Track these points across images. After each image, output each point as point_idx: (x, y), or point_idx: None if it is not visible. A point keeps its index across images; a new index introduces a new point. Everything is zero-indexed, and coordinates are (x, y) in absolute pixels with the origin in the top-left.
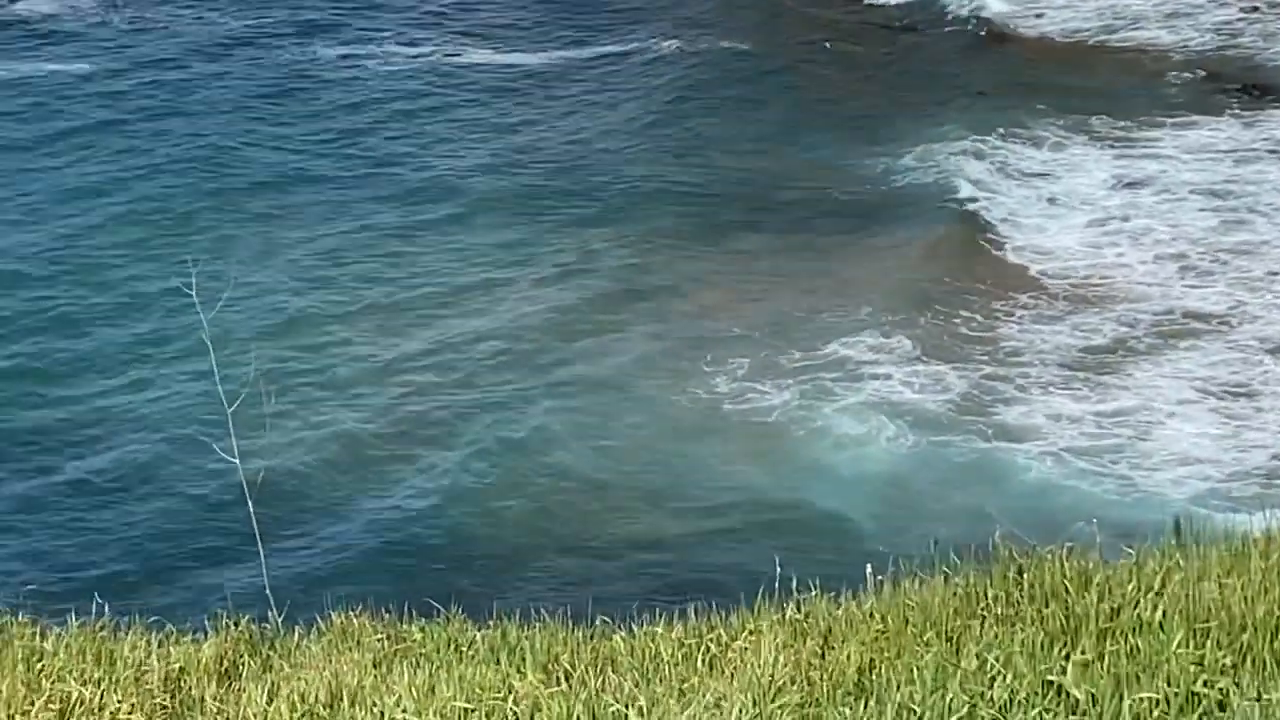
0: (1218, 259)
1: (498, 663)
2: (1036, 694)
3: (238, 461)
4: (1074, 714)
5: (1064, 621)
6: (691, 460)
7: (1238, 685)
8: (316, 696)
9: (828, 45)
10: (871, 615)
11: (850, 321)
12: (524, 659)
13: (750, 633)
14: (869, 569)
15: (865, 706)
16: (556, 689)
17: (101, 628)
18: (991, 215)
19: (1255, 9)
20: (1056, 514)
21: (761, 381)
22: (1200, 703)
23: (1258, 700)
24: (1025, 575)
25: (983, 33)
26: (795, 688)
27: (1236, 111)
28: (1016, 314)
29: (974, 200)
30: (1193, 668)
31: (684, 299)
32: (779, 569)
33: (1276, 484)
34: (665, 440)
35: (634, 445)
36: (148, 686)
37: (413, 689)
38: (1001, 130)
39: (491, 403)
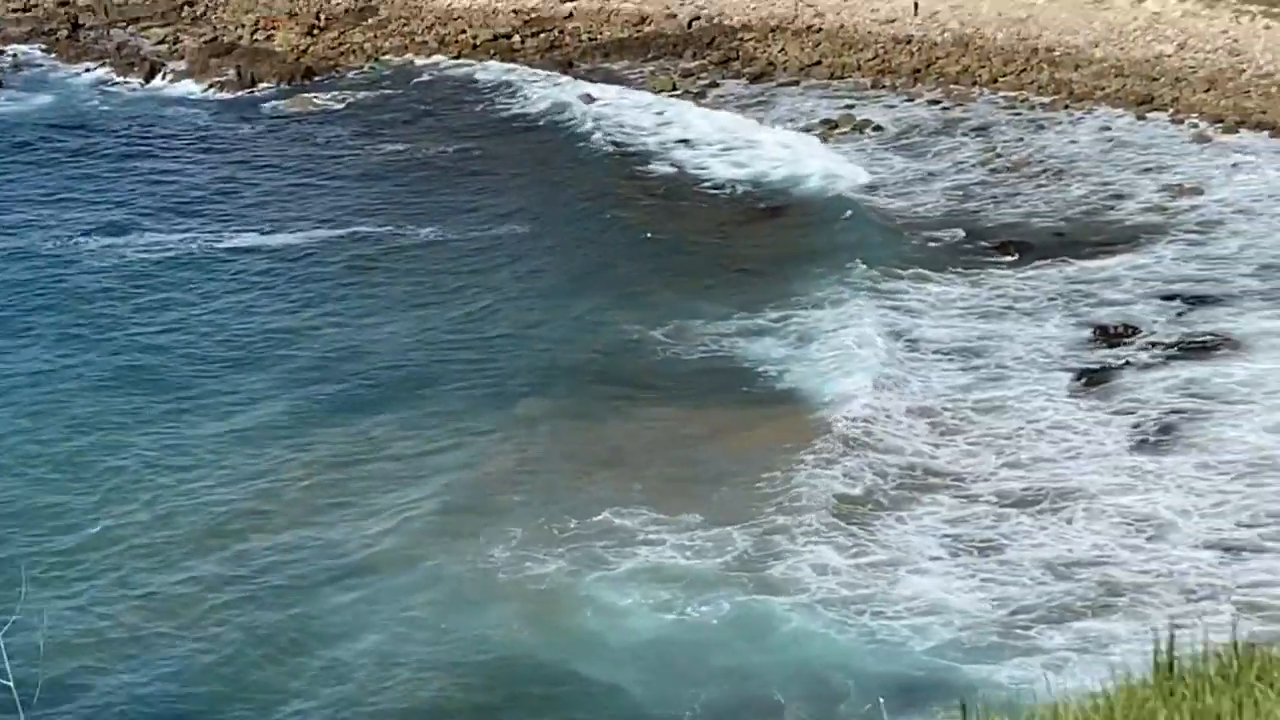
0: (965, 416)
1: None
2: None
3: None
4: None
5: None
6: (467, 631)
7: None
8: None
9: (607, 216)
10: None
11: (623, 489)
12: None
13: None
14: None
15: None
16: None
17: None
18: (764, 372)
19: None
20: (809, 665)
21: (536, 550)
22: None
23: None
24: None
25: (755, 203)
26: None
27: (988, 270)
28: (791, 467)
29: (747, 361)
30: None
31: (464, 471)
32: None
33: (1013, 635)
34: (442, 612)
35: (411, 618)
36: None
37: None
38: (772, 294)
39: (274, 585)
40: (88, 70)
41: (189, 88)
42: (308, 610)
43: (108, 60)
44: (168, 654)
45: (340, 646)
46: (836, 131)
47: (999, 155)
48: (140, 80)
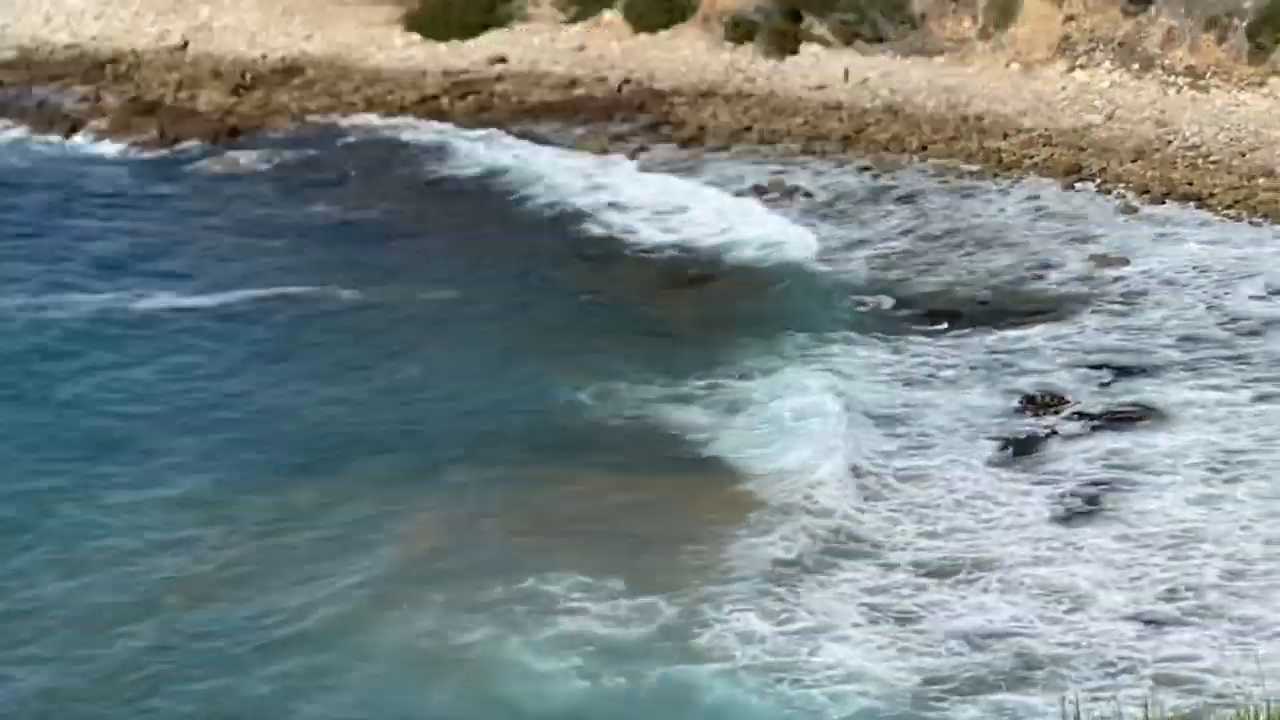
0: (888, 484)
1: None
2: None
3: None
4: None
5: None
6: (390, 699)
7: None
8: None
9: (537, 281)
10: None
11: (550, 555)
12: None
13: None
14: None
15: None
16: None
17: None
18: (692, 440)
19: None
20: None
21: (459, 618)
22: None
23: None
24: None
25: (685, 269)
26: None
27: (914, 337)
28: (717, 534)
29: (675, 429)
30: None
31: (390, 538)
32: None
33: (928, 706)
34: (366, 679)
35: (335, 685)
36: None
37: None
38: (702, 360)
39: (196, 656)
40: (6, 128)
41: (111, 146)
42: (228, 683)
43: (28, 118)
44: None
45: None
46: (766, 197)
47: (927, 223)
48: (61, 138)
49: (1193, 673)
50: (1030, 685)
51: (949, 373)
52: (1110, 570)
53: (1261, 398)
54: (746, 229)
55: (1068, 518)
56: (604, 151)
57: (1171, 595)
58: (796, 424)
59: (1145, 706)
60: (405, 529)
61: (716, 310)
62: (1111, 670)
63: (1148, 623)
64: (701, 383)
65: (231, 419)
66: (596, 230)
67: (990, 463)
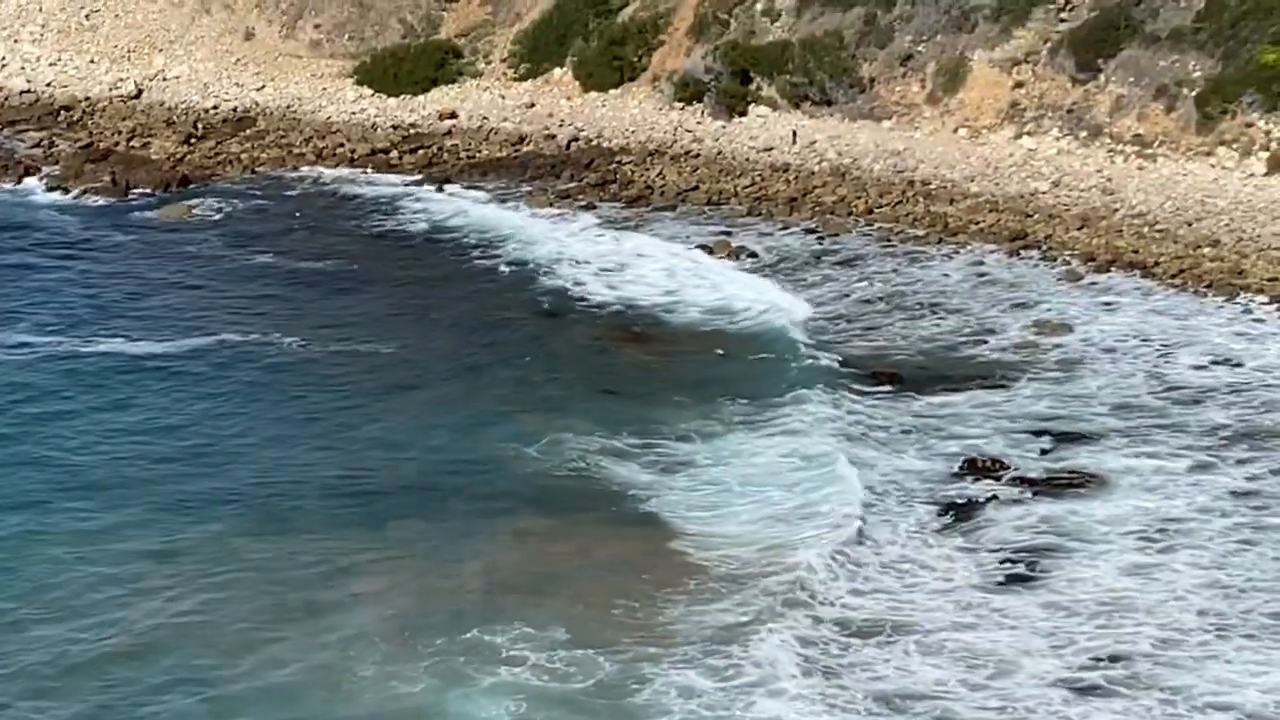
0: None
1: None
2: None
3: None
4: None
5: None
6: None
7: None
8: None
9: (483, 335)
10: None
11: (494, 608)
12: None
13: None
14: None
15: None
16: None
17: None
18: (642, 503)
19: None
20: None
21: (401, 667)
22: None
23: None
24: None
25: (630, 326)
26: None
27: (853, 399)
28: (671, 597)
29: (616, 485)
30: None
31: (332, 588)
32: None
33: None
34: None
35: None
36: None
37: None
38: (645, 418)
39: (130, 693)
40: None
41: (63, 193)
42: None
43: None
44: None
45: None
46: (712, 258)
47: (871, 286)
48: (13, 183)
49: None
50: None
51: (880, 435)
52: (1036, 638)
53: (1198, 466)
54: (691, 291)
55: (998, 584)
56: (550, 206)
57: (1094, 665)
58: (729, 482)
59: None
60: (344, 580)
61: (661, 368)
62: None
63: (1072, 689)
64: (639, 441)
65: (175, 470)
66: (545, 283)
67: (919, 526)
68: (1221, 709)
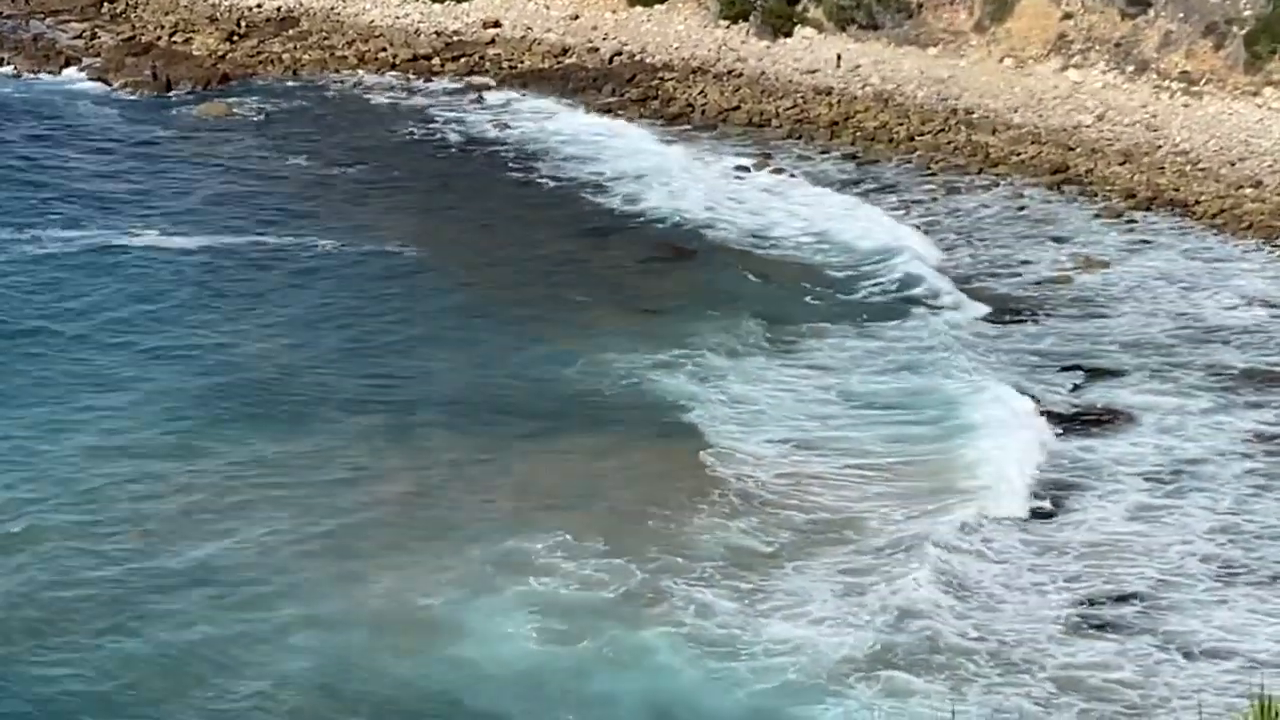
0: (885, 468)
1: None
2: None
3: None
4: None
5: None
6: (349, 656)
7: None
8: None
9: (521, 246)
10: None
11: (526, 519)
12: None
13: None
14: None
15: None
16: None
17: None
18: (682, 420)
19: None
20: (677, 694)
21: (428, 577)
22: None
23: None
24: None
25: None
26: None
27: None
28: (702, 513)
29: (666, 405)
30: None
31: (357, 498)
32: None
33: (880, 666)
34: (326, 638)
35: (294, 646)
36: None
37: None
38: (687, 343)
39: (151, 609)
40: (1, 60)
41: (103, 84)
42: (186, 636)
43: (23, 51)
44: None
45: (223, 674)
46: (749, 175)
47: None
48: (54, 73)
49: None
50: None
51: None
52: None
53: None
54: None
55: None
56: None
57: None
58: (775, 408)
59: None
60: (376, 484)
61: (698, 290)
62: None
63: None
64: (678, 352)
65: (205, 363)
66: (580, 197)
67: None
68: None
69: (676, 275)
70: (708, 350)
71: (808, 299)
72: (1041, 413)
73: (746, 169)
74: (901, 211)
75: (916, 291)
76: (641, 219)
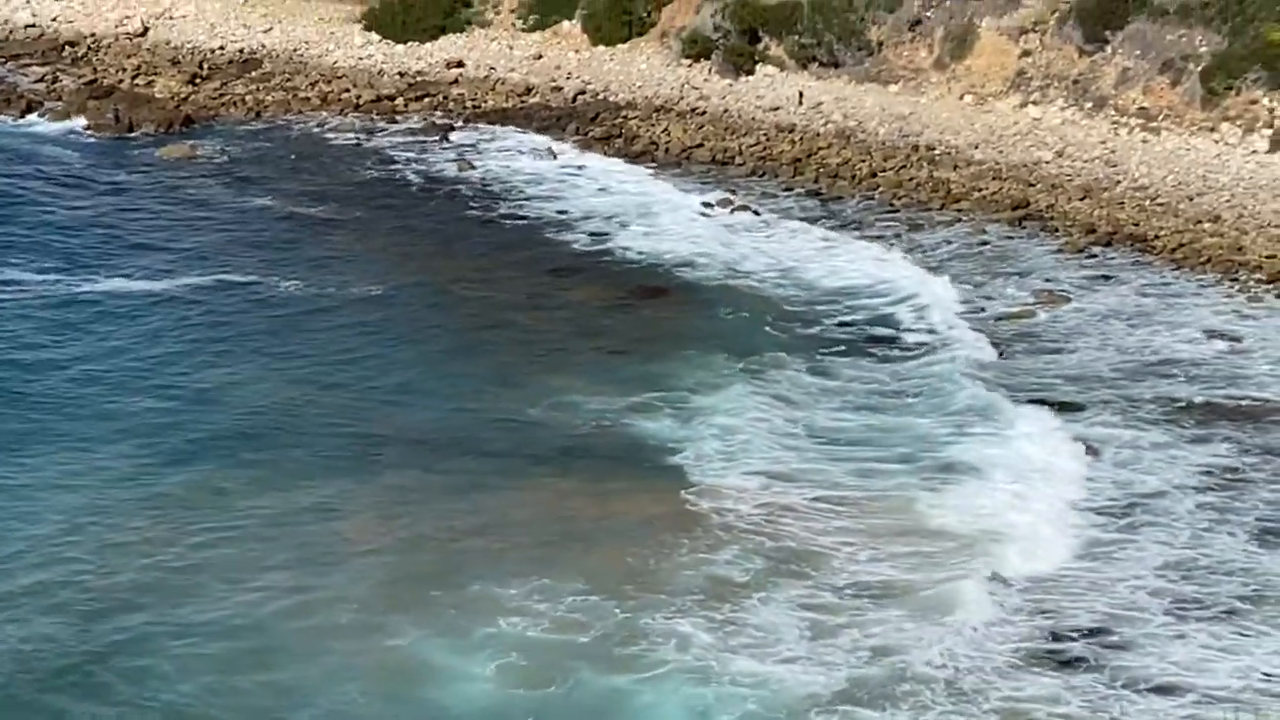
0: (845, 501)
1: None
2: None
3: None
4: None
5: None
6: (313, 698)
7: None
8: None
9: (485, 287)
10: None
11: (499, 560)
12: None
13: None
14: None
15: None
16: None
17: None
18: (658, 454)
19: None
20: None
21: (394, 617)
22: None
23: None
24: None
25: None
26: None
27: (874, 356)
28: (680, 549)
29: (641, 440)
30: None
31: (323, 537)
32: None
33: (856, 701)
34: (295, 681)
35: (258, 686)
36: None
37: None
38: (661, 382)
39: (115, 648)
40: None
41: (65, 128)
42: (147, 665)
43: None
44: None
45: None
46: (713, 212)
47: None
48: (15, 117)
49: None
50: None
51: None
52: None
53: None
54: (684, 245)
55: None
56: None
57: None
58: (747, 441)
59: None
60: (342, 523)
61: (669, 325)
62: None
63: None
64: (651, 395)
65: (162, 405)
66: (543, 236)
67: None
68: None
69: (647, 313)
70: (684, 390)
71: (772, 332)
72: None
73: (711, 205)
74: (865, 246)
75: (881, 331)
76: (609, 258)
